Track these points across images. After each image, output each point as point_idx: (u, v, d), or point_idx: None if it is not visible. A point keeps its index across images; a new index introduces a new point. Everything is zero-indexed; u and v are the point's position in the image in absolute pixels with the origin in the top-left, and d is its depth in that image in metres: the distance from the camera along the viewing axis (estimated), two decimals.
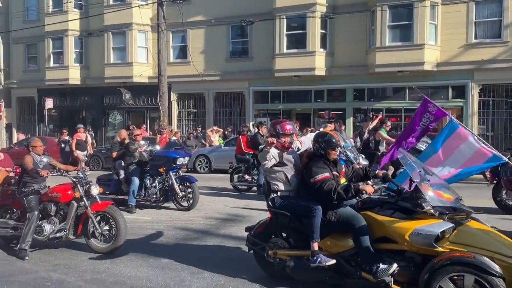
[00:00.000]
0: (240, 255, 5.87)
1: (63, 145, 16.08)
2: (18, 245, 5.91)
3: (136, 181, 8.93)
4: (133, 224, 7.40)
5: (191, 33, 21.73)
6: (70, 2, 23.60)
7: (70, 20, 23.31)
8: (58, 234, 6.03)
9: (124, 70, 22.48)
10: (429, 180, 4.15)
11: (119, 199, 8.95)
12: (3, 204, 6.55)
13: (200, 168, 16.63)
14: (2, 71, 27.57)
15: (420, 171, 4.20)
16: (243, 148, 11.30)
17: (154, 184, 9.10)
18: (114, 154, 9.70)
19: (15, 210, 6.41)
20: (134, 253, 6.00)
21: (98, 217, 6.02)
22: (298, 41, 19.19)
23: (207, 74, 21.22)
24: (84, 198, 5.98)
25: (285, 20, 19.14)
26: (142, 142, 9.49)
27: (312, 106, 20.11)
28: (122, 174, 9.30)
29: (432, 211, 3.96)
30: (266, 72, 19.92)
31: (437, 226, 3.93)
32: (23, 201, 6.04)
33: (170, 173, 8.99)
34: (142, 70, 22.42)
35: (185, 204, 9.11)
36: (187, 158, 9.70)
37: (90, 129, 21.88)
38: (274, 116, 20.87)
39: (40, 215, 6.07)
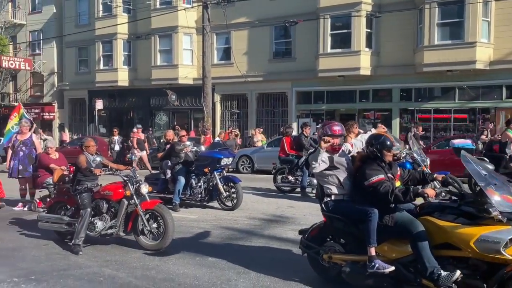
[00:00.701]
0: (285, 256, 5.85)
1: (112, 145, 16.60)
2: (72, 241, 6.16)
3: (182, 180, 9.11)
4: (180, 223, 7.54)
5: (234, 35, 21.94)
6: (119, 6, 24.43)
7: (119, 24, 24.15)
8: (109, 231, 6.22)
9: (170, 72, 23.01)
10: (495, 184, 3.89)
11: (166, 198, 9.15)
12: (59, 200, 6.85)
13: (243, 168, 16.74)
14: (55, 73, 28.97)
15: (485, 174, 3.97)
16: (286, 149, 11.22)
17: (199, 184, 9.25)
18: (160, 155, 9.97)
19: (69, 206, 6.68)
20: (181, 251, 6.11)
21: (147, 215, 6.14)
22: (342, 41, 18.93)
23: (250, 75, 21.36)
24: (134, 197, 6.14)
25: (329, 19, 18.94)
26: (187, 143, 9.67)
27: (357, 107, 19.77)
28: (168, 173, 9.53)
29: (499, 216, 3.72)
30: (310, 72, 19.77)
31: (506, 232, 3.70)
32: (77, 198, 6.29)
33: (215, 173, 9.11)
34: (187, 72, 22.86)
35: (229, 204, 9.20)
36: (231, 159, 9.79)
37: (150, 129, 22.41)
38: (317, 117, 20.72)
39: (93, 212, 6.29)
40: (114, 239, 6.53)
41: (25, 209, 9.36)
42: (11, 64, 27.66)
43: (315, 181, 10.26)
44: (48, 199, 9.21)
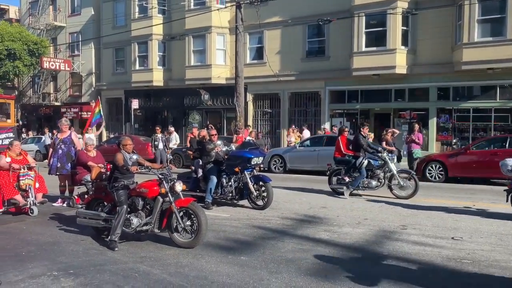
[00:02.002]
0: (318, 258, 5.78)
1: (156, 142, 16.75)
2: (109, 237, 6.31)
3: (214, 179, 9.18)
4: (212, 221, 7.59)
5: (267, 34, 21.93)
6: (155, 8, 24.89)
7: (154, 25, 24.60)
8: (145, 228, 6.32)
9: (203, 72, 23.26)
10: None
11: (198, 196, 9.23)
12: (96, 197, 7.02)
13: (275, 168, 16.70)
14: (93, 74, 29.83)
15: None
16: (342, 149, 10.85)
17: (230, 183, 9.28)
18: (191, 154, 10.07)
19: (106, 203, 6.85)
20: (214, 249, 6.14)
21: (181, 213, 6.22)
22: (377, 39, 18.59)
23: (282, 74, 21.30)
24: (169, 194, 6.23)
25: (364, 17, 18.62)
26: (218, 142, 9.73)
27: (392, 106, 19.36)
28: (200, 172, 9.62)
29: None
30: (343, 71, 19.52)
31: None
32: (113, 195, 6.44)
33: (245, 172, 9.10)
34: (220, 72, 23.04)
35: (260, 203, 9.19)
36: (261, 158, 9.76)
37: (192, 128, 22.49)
38: (351, 116, 20.44)
39: (129, 209, 6.42)
40: (149, 236, 6.64)
41: (64, 205, 9.66)
42: (52, 65, 28.68)
43: (374, 182, 10.28)
44: (86, 196, 9.52)
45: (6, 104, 18.38)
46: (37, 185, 8.99)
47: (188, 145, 15.75)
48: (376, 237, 6.86)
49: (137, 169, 6.45)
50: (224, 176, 9.38)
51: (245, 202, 9.43)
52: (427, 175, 13.86)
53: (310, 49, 21.39)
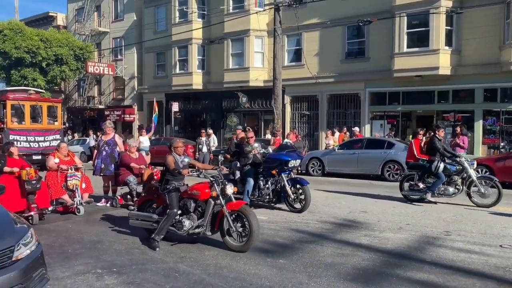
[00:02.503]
0: (358, 263, 5.67)
1: (200, 146, 16.79)
2: (152, 235, 6.40)
3: (251, 181, 9.18)
4: None
5: (306, 36, 21.83)
6: (194, 12, 25.33)
7: (194, 29, 25.03)
8: (197, 230, 6.30)
9: (241, 74, 23.42)
10: None
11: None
12: (148, 199, 7.09)
13: (313, 171, 16.56)
14: (135, 77, 30.68)
15: None
16: (416, 154, 10.31)
17: (267, 185, 9.24)
18: (228, 156, 10.14)
19: (156, 206, 6.88)
20: (252, 251, 6.14)
21: (233, 216, 6.17)
22: (419, 39, 18.10)
23: (321, 76, 21.13)
24: (220, 197, 6.20)
25: (405, 17, 18.17)
26: (255, 145, 9.68)
27: (436, 108, 18.79)
28: (237, 174, 9.66)
29: None
30: (384, 72, 19.13)
31: None
32: (165, 197, 6.46)
33: (282, 175, 9.04)
34: (258, 74, 23.13)
35: (297, 206, 9.11)
36: (298, 161, 9.65)
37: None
38: (393, 118, 20.00)
39: (180, 211, 6.42)
40: (186, 238, 6.72)
41: (108, 205, 9.97)
42: (96, 69, 29.75)
43: (451, 189, 9.74)
44: (128, 196, 9.78)
45: (54, 107, 19.22)
46: (83, 185, 9.30)
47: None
48: (418, 243, 6.66)
49: (188, 172, 6.49)
50: (262, 178, 9.35)
51: (282, 205, 9.39)
52: None
53: (349, 51, 21.11)
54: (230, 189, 6.27)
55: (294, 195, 9.06)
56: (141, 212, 6.92)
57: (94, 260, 5.80)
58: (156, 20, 28.77)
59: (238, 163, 9.66)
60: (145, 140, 17.01)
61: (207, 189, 6.28)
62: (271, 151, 10.33)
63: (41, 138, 17.55)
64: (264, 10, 22.13)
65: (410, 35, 18.35)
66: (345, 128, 19.48)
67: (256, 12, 22.07)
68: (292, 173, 9.55)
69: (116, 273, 5.30)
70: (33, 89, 20.45)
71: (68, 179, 9.02)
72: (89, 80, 33.46)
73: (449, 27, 17.70)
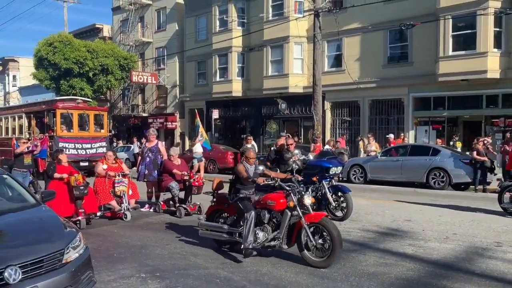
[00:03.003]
0: (402, 273, 5.50)
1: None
2: (242, 246, 5.95)
3: None
4: None
5: (346, 41, 21.58)
6: (234, 21, 25.65)
7: (234, 38, 25.33)
8: (272, 243, 5.94)
9: (280, 81, 23.44)
10: None
11: None
12: (218, 208, 6.83)
13: (355, 178, 16.25)
14: (177, 86, 31.39)
15: None
16: None
17: (308, 192, 9.14)
18: (268, 164, 10.12)
19: (228, 215, 6.64)
20: (293, 258, 6.09)
21: (311, 229, 5.75)
22: (466, 42, 17.46)
23: (362, 81, 20.80)
24: (298, 208, 5.84)
25: (450, 20, 17.59)
26: (296, 151, 9.59)
27: (484, 113, 18.02)
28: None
29: None
30: (428, 76, 18.58)
31: None
32: (237, 205, 6.21)
33: (323, 182, 8.85)
34: (297, 81, 23.07)
35: (339, 214, 8.94)
36: (340, 168, 9.46)
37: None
38: (438, 124, 19.37)
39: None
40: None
41: (151, 210, 10.20)
42: (140, 78, 30.68)
43: None
44: (170, 202, 9.96)
45: (100, 116, 19.98)
46: (130, 191, 9.54)
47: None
48: (466, 253, 6.38)
49: (264, 181, 6.32)
50: (302, 185, 9.27)
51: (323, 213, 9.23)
52: None
53: (391, 55, 20.66)
54: (308, 200, 5.89)
55: (336, 202, 8.91)
56: (212, 223, 6.67)
57: (138, 264, 5.94)
58: (197, 30, 29.35)
59: (278, 169, 9.64)
60: (198, 147, 17.22)
61: (283, 199, 5.93)
62: (311, 157, 10.23)
63: (88, 146, 18.27)
64: (303, 16, 22.07)
65: (456, 38, 17.73)
66: (392, 135, 18.74)
67: (296, 19, 22.05)
68: (333, 180, 9.41)
69: (159, 277, 5.40)
70: (81, 98, 21.37)
71: (116, 185, 9.26)
72: (133, 89, 34.53)
73: (497, 29, 16.97)
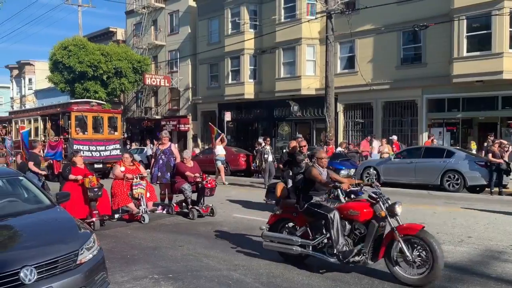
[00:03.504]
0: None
1: (265, 156, 15.98)
2: (335, 251, 5.37)
3: None
4: None
5: (359, 43, 21.47)
6: (247, 23, 25.71)
7: (246, 40, 25.38)
8: (356, 258, 5.26)
9: (293, 83, 23.41)
10: None
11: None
12: (284, 217, 6.21)
13: (368, 180, 16.11)
14: (190, 88, 31.55)
15: None
16: None
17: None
18: (281, 166, 10.15)
19: (296, 225, 6.05)
20: (306, 261, 6.07)
21: (404, 242, 5.13)
22: (481, 43, 17.22)
23: (375, 83, 20.67)
24: (389, 218, 5.25)
25: (465, 20, 17.39)
26: (309, 153, 9.63)
27: (499, 115, 17.76)
28: (290, 183, 9.47)
29: None
30: (442, 78, 18.39)
31: None
32: (313, 211, 5.62)
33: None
34: (309, 83, 23.01)
35: None
36: (353, 170, 9.40)
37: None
38: (452, 126, 19.15)
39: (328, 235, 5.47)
40: (240, 244, 6.75)
41: (164, 212, 10.26)
42: (153, 81, 30.92)
43: None
44: (183, 204, 9.95)
45: (114, 118, 20.19)
46: (148, 194, 9.49)
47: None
48: (481, 257, 6.29)
49: (349, 187, 5.82)
50: None
51: None
52: None
53: (405, 56, 20.49)
54: (399, 209, 5.23)
55: None
56: (279, 234, 6.05)
57: (151, 266, 5.98)
58: (210, 32, 29.48)
59: (291, 171, 9.63)
60: (220, 150, 17.17)
61: (368, 208, 5.32)
62: None
63: (102, 148, 18.48)
64: (316, 18, 22.01)
65: (470, 38, 17.51)
66: (395, 137, 18.57)
67: (308, 21, 22.00)
68: None
69: (172, 279, 5.42)
70: (95, 101, 21.62)
71: (134, 187, 9.21)
72: (147, 92, 34.80)
73: None
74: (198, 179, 9.77)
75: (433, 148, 15.79)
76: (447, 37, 18.12)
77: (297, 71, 23.36)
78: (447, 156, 14.38)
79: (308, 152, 9.64)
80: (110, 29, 38.77)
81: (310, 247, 5.65)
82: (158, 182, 10.52)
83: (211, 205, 9.86)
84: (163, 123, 32.57)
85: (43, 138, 19.65)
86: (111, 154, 18.31)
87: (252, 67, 26.48)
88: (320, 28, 22.18)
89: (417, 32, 18.88)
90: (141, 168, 9.87)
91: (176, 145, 31.93)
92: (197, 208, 9.64)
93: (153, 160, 10.96)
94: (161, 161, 10.47)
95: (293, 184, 9.34)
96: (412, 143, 19.04)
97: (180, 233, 7.80)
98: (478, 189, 13.93)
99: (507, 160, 13.65)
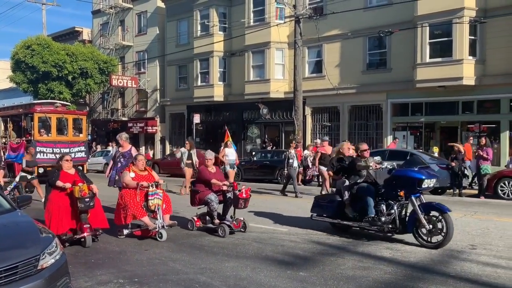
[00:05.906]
0: (379, 276, 5.58)
1: (290, 160, 14.22)
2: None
3: (371, 201, 7.41)
4: (271, 235, 7.54)
5: (326, 47, 21.84)
6: (216, 25, 25.68)
7: (216, 42, 25.35)
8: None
9: (262, 86, 23.55)
10: None
11: (340, 224, 8.05)
12: None
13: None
14: (158, 90, 31.19)
15: None
16: None
17: (393, 211, 7.24)
18: (331, 173, 8.63)
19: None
20: (273, 263, 6.11)
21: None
22: (442, 49, 17.87)
23: (342, 87, 21.06)
24: None
25: (427, 28, 18.00)
26: (376, 158, 8.15)
27: (460, 119, 18.46)
28: (346, 195, 7.90)
29: None
30: (406, 83, 18.95)
31: None
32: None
33: (412, 198, 7.10)
34: (278, 86, 23.21)
35: (433, 239, 6.99)
36: (434, 180, 7.48)
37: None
38: (416, 129, 19.74)
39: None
40: (210, 248, 6.70)
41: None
42: (120, 82, 30.38)
43: None
44: (207, 218, 8.31)
45: (79, 120, 19.69)
46: (163, 205, 7.83)
47: (317, 162, 13.87)
48: (442, 256, 6.51)
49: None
50: (382, 201, 7.45)
51: (404, 236, 7.47)
52: (499, 192, 13.02)
53: (370, 61, 21.00)
54: None
55: (430, 225, 6.95)
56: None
57: (116, 270, 5.87)
58: (178, 34, 29.27)
59: (347, 181, 7.99)
60: (230, 153, 15.41)
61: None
62: (395, 166, 7.95)
63: (67, 150, 17.94)
64: (284, 22, 22.26)
65: (433, 45, 18.14)
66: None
67: (277, 25, 22.22)
68: (421, 196, 7.33)
69: (138, 283, 5.35)
70: (60, 102, 21.02)
71: (149, 197, 7.53)
72: (113, 93, 34.15)
73: (472, 37, 17.43)
74: (225, 188, 8.20)
75: (397, 151, 16.21)
76: (411, 44, 18.70)
77: (266, 74, 23.52)
78: None
79: (386, 164, 8.01)
80: (76, 29, 37.85)
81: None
82: (115, 185, 9.84)
83: (242, 218, 8.29)
84: (129, 125, 32.04)
85: (3, 140, 18.95)
86: (76, 156, 17.82)
87: (222, 70, 26.46)
88: (289, 32, 22.44)
89: (382, 38, 19.42)
90: (154, 173, 8.27)
91: (142, 149, 31.52)
92: (227, 223, 8.02)
93: (111, 162, 10.28)
94: (119, 164, 9.61)
95: (351, 196, 7.87)
96: (377, 146, 19.50)
97: (146, 237, 7.68)
98: (439, 190, 14.40)
99: (463, 164, 14.19)
